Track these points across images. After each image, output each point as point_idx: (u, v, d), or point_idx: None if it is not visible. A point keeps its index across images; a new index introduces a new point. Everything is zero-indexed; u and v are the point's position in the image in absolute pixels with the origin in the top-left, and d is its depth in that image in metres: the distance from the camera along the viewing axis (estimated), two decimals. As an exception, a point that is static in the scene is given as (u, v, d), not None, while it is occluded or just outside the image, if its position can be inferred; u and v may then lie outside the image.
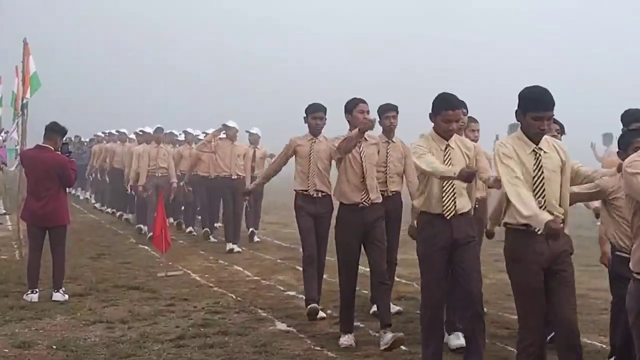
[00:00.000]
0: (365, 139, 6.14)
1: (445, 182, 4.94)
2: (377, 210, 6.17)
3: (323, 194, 7.11)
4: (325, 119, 7.26)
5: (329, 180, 7.12)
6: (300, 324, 6.77)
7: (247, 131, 12.89)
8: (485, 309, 6.03)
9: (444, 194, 4.96)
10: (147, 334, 6.35)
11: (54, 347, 5.95)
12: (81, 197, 22.46)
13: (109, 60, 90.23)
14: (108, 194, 18.14)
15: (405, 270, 9.82)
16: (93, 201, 20.54)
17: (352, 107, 6.25)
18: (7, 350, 5.86)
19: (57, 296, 7.74)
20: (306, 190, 7.11)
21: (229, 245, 11.57)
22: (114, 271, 9.64)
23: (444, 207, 4.96)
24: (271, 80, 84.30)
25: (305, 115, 7.22)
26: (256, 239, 12.82)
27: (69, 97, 66.28)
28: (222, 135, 12.25)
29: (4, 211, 16.76)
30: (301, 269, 9.98)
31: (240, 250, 11.55)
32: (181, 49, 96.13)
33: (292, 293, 8.30)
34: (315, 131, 7.21)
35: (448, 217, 4.95)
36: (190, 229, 13.95)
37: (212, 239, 12.79)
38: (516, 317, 6.91)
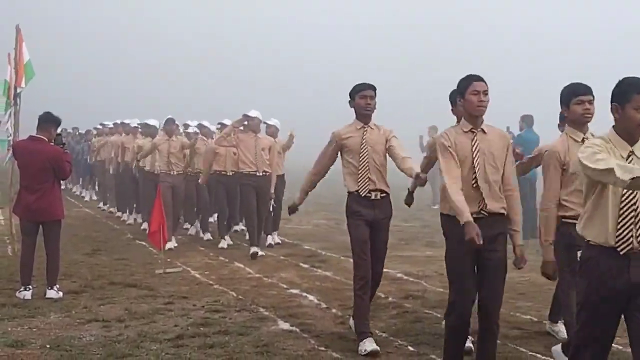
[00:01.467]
0: (484, 130, 4.99)
1: (625, 199, 3.85)
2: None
3: (382, 194, 6.16)
4: (376, 101, 6.22)
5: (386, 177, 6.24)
6: (304, 324, 6.79)
7: (265, 122, 12.02)
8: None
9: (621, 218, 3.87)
10: (144, 333, 6.39)
11: (48, 346, 5.99)
12: (86, 198, 21.25)
13: (105, 50, 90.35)
14: (111, 191, 17.42)
15: (413, 267, 9.89)
16: (93, 197, 20.33)
17: (464, 88, 4.94)
18: (-1, 350, 5.93)
19: (51, 293, 7.79)
20: (357, 191, 6.11)
21: (254, 249, 10.78)
22: (110, 268, 9.70)
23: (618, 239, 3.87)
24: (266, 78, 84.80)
25: (350, 98, 6.20)
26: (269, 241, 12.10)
27: (62, 87, 66.43)
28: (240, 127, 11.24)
29: (-4, 205, 16.85)
30: (305, 266, 10.09)
31: (263, 253, 11.01)
32: (186, 44, 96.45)
33: (295, 291, 8.34)
34: (364, 113, 6.16)
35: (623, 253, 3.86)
36: (208, 235, 12.73)
37: (207, 237, 12.56)
38: (527, 317, 6.96)
